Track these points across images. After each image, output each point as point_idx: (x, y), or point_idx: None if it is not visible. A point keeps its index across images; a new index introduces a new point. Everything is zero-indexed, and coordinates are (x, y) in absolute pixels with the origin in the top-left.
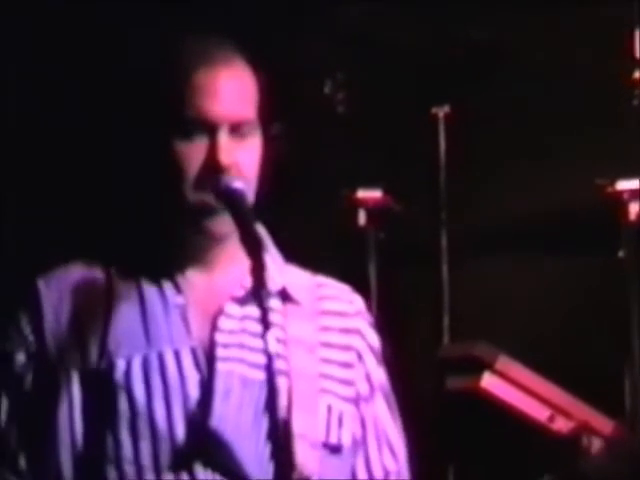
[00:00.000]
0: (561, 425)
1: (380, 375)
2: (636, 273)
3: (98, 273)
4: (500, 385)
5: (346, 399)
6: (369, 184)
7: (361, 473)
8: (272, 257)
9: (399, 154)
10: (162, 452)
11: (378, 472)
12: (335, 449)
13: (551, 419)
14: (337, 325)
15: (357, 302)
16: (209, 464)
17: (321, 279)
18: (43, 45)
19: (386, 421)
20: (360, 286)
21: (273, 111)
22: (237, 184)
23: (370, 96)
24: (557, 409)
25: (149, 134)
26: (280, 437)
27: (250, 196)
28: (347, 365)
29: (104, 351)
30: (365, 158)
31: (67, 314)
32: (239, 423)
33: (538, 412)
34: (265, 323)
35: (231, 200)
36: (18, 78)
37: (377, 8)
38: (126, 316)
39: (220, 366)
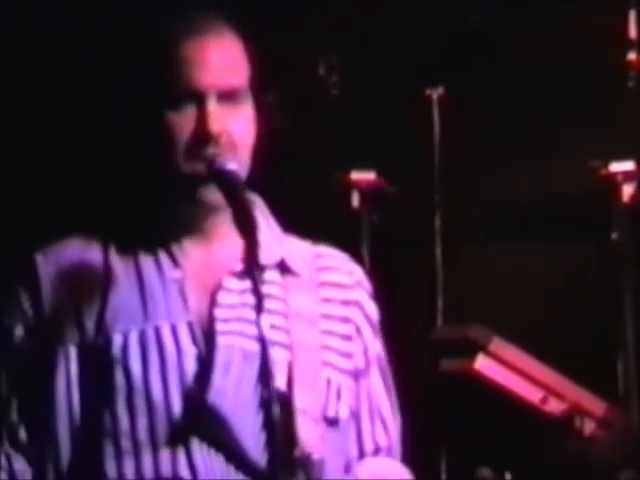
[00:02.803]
0: (554, 407)
1: (376, 347)
2: (629, 255)
3: (95, 247)
4: (493, 367)
5: (345, 372)
6: (363, 166)
7: (352, 446)
8: (270, 228)
9: (393, 136)
10: (158, 426)
11: (369, 446)
12: (332, 422)
13: (544, 401)
14: (337, 297)
15: (356, 272)
16: (205, 440)
17: (320, 249)
18: (33, 20)
19: (380, 395)
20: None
21: (264, 82)
22: (231, 165)
23: (364, 78)
24: (550, 391)
25: (141, 105)
26: (275, 411)
27: (243, 167)
28: (347, 337)
29: (101, 326)
30: (359, 140)
31: (65, 289)
32: (238, 397)
33: (531, 394)
34: (259, 305)
35: (224, 182)
36: (11, 52)
37: None
38: (123, 290)
39: (220, 340)
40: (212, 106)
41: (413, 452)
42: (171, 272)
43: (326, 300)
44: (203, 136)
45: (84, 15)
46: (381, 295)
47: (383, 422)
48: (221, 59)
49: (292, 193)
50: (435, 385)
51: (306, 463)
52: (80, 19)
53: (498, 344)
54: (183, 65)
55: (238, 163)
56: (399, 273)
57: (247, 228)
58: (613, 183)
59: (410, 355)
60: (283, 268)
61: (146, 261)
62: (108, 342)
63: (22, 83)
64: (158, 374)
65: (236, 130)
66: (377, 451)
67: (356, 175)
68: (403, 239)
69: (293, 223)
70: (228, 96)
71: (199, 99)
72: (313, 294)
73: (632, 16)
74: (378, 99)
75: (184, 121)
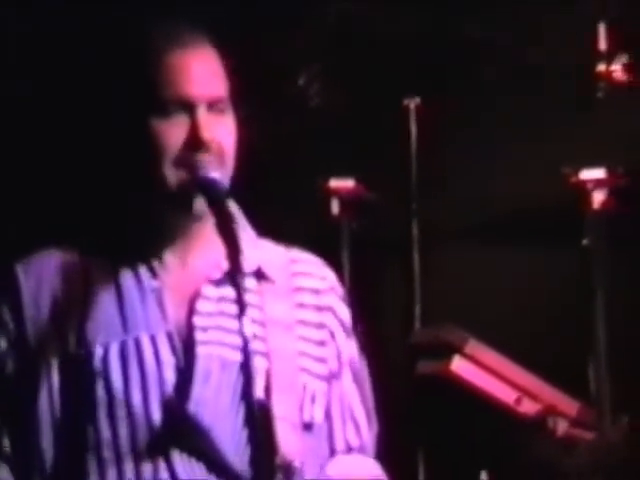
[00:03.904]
0: (528, 407)
1: (350, 351)
2: (600, 260)
3: (75, 259)
4: (469, 368)
5: (319, 377)
6: (342, 174)
7: (324, 448)
8: (246, 234)
9: (372, 145)
10: (140, 437)
11: (341, 446)
12: (308, 426)
13: (518, 401)
14: (311, 302)
15: (329, 277)
16: (186, 449)
17: (294, 254)
18: (23, 28)
19: (352, 397)
20: (333, 273)
21: (243, 95)
22: (214, 174)
23: (343, 88)
24: (524, 392)
25: (128, 114)
26: (258, 420)
27: (227, 175)
28: (321, 343)
29: (82, 338)
30: (338, 148)
31: (46, 301)
32: (217, 406)
33: (506, 394)
34: (241, 313)
35: (209, 191)
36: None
37: (352, 4)
38: (103, 302)
39: (199, 350)
40: (203, 115)
41: (391, 452)
42: (149, 282)
43: (301, 305)
44: (195, 143)
45: (74, 28)
46: (360, 299)
47: (355, 423)
48: (204, 69)
49: (273, 200)
50: (413, 386)
51: (288, 470)
52: (70, 33)
53: (474, 346)
54: (171, 75)
55: (224, 171)
56: (378, 278)
57: (230, 237)
58: (584, 190)
59: (388, 357)
60: (259, 275)
61: (125, 272)
62: (89, 354)
63: (6, 95)
64: (138, 385)
65: (223, 138)
66: (349, 450)
67: (336, 183)
68: (382, 245)
69: (274, 229)
70: (215, 106)
71: (190, 108)
72: (288, 300)
73: (601, 29)
74: (357, 109)
75: (174, 129)
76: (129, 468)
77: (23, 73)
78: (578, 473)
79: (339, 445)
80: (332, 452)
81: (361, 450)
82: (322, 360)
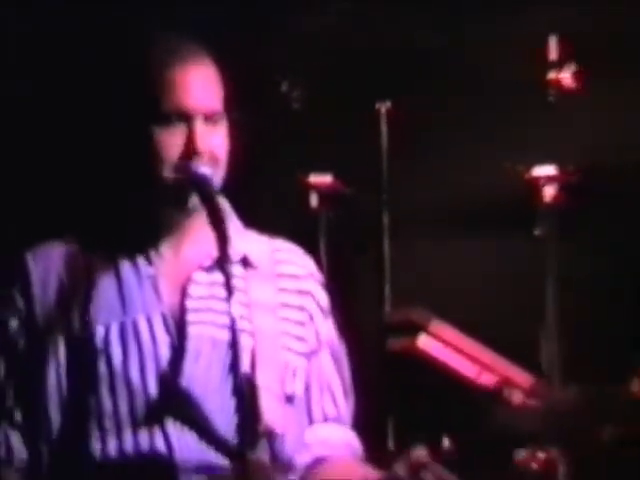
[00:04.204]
0: (487, 380)
1: (327, 331)
2: (551, 248)
3: (79, 250)
4: (434, 345)
5: (300, 354)
6: (321, 170)
7: (303, 419)
8: (234, 226)
9: (347, 144)
10: (137, 408)
11: (318, 416)
12: (290, 399)
13: (478, 374)
14: (292, 287)
15: (309, 265)
16: (179, 419)
17: (277, 243)
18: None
19: (330, 373)
20: (313, 261)
21: (235, 104)
22: (204, 169)
23: (322, 93)
24: (483, 366)
25: (129, 123)
26: (245, 392)
27: (220, 176)
28: (301, 324)
29: (85, 319)
30: (317, 147)
31: (53, 286)
32: (208, 380)
33: (467, 369)
34: (230, 296)
35: (198, 184)
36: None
37: (330, 15)
38: (104, 288)
39: (191, 329)
40: (199, 127)
41: (364, 420)
42: (146, 269)
43: (283, 290)
44: (191, 152)
45: (81, 39)
46: (337, 284)
47: (332, 395)
48: (202, 83)
49: (259, 194)
50: (384, 361)
51: (270, 437)
52: (78, 43)
53: (438, 325)
54: (171, 88)
55: (217, 174)
56: (353, 265)
57: (220, 229)
58: (537, 186)
59: (362, 335)
60: (245, 262)
61: (123, 261)
62: (91, 333)
63: (13, 92)
64: (136, 361)
65: (217, 147)
66: (326, 420)
67: (314, 178)
68: (356, 235)
69: (259, 221)
70: (211, 118)
71: (187, 120)
72: (271, 285)
73: (552, 41)
74: (334, 112)
75: (173, 138)
76: (128, 436)
77: (32, 78)
78: (531, 437)
79: (317, 415)
80: (311, 421)
81: (337, 420)
82: (302, 339)
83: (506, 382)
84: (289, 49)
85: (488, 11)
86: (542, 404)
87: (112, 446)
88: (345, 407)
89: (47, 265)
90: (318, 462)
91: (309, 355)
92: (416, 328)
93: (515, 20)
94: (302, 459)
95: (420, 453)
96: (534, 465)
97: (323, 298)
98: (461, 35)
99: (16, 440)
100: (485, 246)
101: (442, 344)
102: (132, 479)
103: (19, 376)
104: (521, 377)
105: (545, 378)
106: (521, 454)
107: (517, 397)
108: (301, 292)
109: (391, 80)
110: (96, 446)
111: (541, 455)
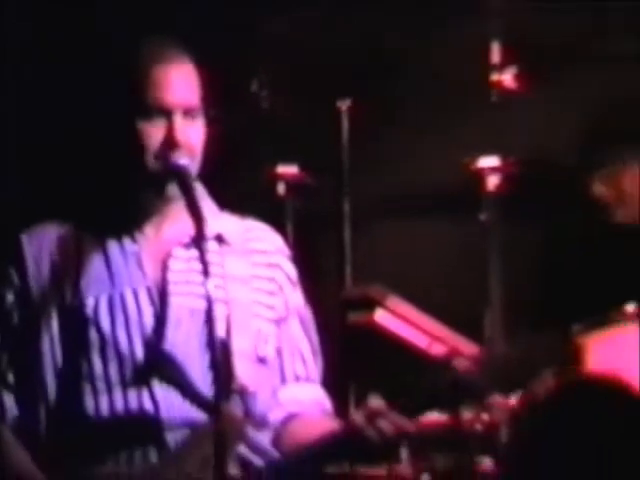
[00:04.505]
0: (437, 350)
1: (295, 300)
2: (494, 232)
3: (70, 231)
4: (390, 319)
5: (271, 320)
6: (287, 161)
7: (276, 379)
8: (208, 207)
9: (312, 138)
10: (126, 371)
11: (290, 376)
12: (262, 360)
13: (429, 345)
14: (263, 261)
15: (277, 241)
16: (164, 380)
17: (249, 223)
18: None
19: (299, 338)
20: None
21: (211, 101)
22: (182, 160)
23: (288, 92)
24: (434, 338)
25: (117, 117)
26: (220, 355)
27: (196, 166)
28: (271, 293)
29: (76, 292)
30: (285, 141)
31: (45, 263)
32: (188, 345)
33: (419, 340)
34: (204, 266)
35: (177, 174)
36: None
37: (297, 20)
38: (93, 264)
39: (172, 300)
40: (178, 121)
41: (328, 384)
42: (130, 247)
43: (254, 264)
44: (171, 143)
45: (76, 43)
46: (302, 264)
47: (302, 358)
48: (181, 81)
49: (233, 184)
50: (344, 333)
51: (243, 393)
52: (74, 47)
53: (393, 301)
54: (154, 87)
55: (193, 162)
56: (316, 247)
57: (195, 211)
58: (481, 175)
59: (326, 310)
60: (220, 240)
61: (110, 240)
62: (82, 305)
63: (20, 86)
64: (124, 329)
65: (194, 139)
66: (297, 379)
67: (282, 169)
68: (319, 220)
69: (233, 208)
70: (189, 113)
71: (168, 114)
72: (244, 259)
73: (494, 46)
74: (300, 109)
75: (154, 131)
76: (118, 396)
77: (29, 74)
78: (476, 399)
79: (289, 376)
80: (283, 381)
81: (307, 379)
82: (272, 307)
83: (454, 352)
84: (259, 52)
85: (440, 18)
86: (485, 362)
87: (104, 405)
88: (314, 368)
89: (40, 245)
90: (290, 418)
91: (279, 322)
92: (373, 303)
93: (463, 27)
94: (276, 415)
95: (376, 402)
96: (478, 426)
97: (291, 270)
98: (415, 39)
99: (8, 400)
100: (436, 229)
101: (397, 318)
102: (122, 435)
103: (14, 344)
104: (467, 347)
105: (488, 348)
106: (466, 416)
107: (463, 365)
108: (271, 265)
109: (351, 79)
110: (89, 405)
111: (485, 417)
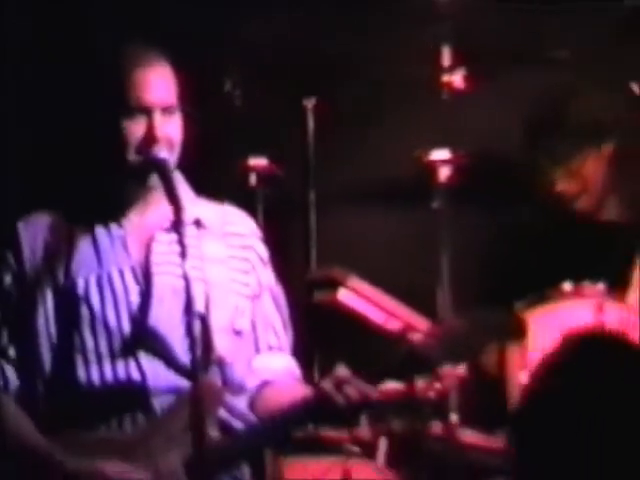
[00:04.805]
0: (393, 325)
1: (267, 278)
2: (444, 219)
3: (61, 219)
4: (351, 297)
5: (246, 297)
6: (258, 154)
7: (252, 348)
8: (187, 195)
9: (281, 133)
10: (115, 344)
11: (264, 347)
12: (238, 333)
13: (387, 321)
14: (238, 243)
15: (250, 224)
16: (149, 351)
17: (225, 208)
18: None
19: (271, 312)
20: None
21: (188, 100)
22: (162, 154)
23: (259, 91)
24: (391, 314)
25: (102, 115)
26: (199, 329)
27: (175, 158)
28: (246, 272)
29: (68, 273)
30: (256, 136)
31: (40, 247)
32: (170, 320)
33: (378, 316)
34: (183, 248)
35: (158, 166)
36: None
37: (267, 25)
38: (82, 247)
39: (155, 279)
40: (157, 118)
41: (295, 357)
42: (117, 231)
43: (230, 246)
44: (151, 139)
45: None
46: (272, 248)
47: (274, 330)
48: (160, 82)
49: (209, 175)
50: (310, 310)
51: (221, 363)
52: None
53: (354, 281)
54: (135, 88)
55: (171, 155)
56: (285, 232)
57: (174, 199)
58: (433, 167)
59: (293, 289)
60: (198, 224)
61: (98, 226)
62: (74, 284)
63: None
64: (112, 306)
65: (172, 134)
66: (270, 349)
67: (253, 161)
68: (287, 207)
69: (209, 197)
70: (167, 111)
71: (148, 112)
72: (220, 242)
73: (445, 50)
74: (269, 106)
75: (136, 127)
76: (108, 367)
77: (25, 81)
78: (429, 369)
79: (262, 346)
80: (257, 351)
81: (279, 349)
82: (247, 285)
83: (409, 327)
84: (232, 55)
85: (396, 24)
86: (437, 336)
87: (95, 376)
88: (285, 339)
89: (35, 231)
90: (265, 384)
91: (253, 298)
92: (336, 283)
93: (417, 32)
94: (251, 382)
95: (342, 371)
96: (431, 393)
97: (263, 251)
98: (374, 43)
99: (10, 372)
100: (392, 216)
101: (357, 296)
102: (113, 402)
103: (13, 321)
104: (420, 322)
105: (440, 323)
106: (420, 384)
107: (417, 338)
108: (245, 247)
109: (317, 80)
110: (82, 376)
111: (437, 385)
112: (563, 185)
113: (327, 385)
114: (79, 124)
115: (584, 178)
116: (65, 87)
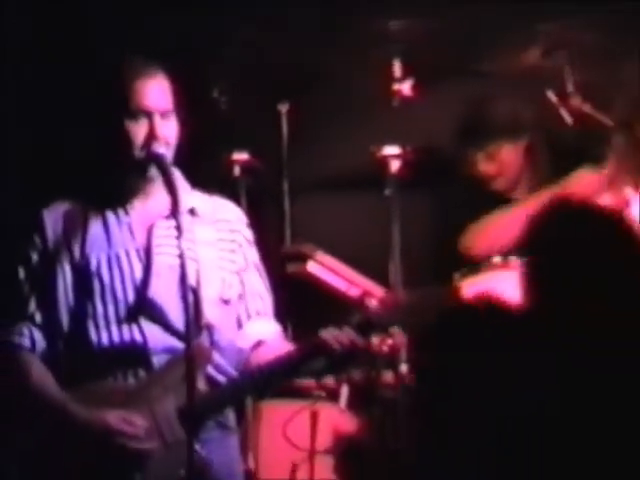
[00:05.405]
0: (354, 292)
1: (252, 255)
2: (395, 204)
3: (78, 206)
4: (318, 269)
5: (232, 272)
6: (241, 150)
7: (243, 315)
8: (183, 187)
9: (260, 132)
10: (121, 312)
11: (253, 312)
12: (227, 302)
13: (348, 289)
14: (226, 228)
15: (237, 212)
16: (149, 318)
17: (215, 199)
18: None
19: (256, 282)
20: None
21: (182, 105)
22: (160, 150)
23: (241, 98)
24: (351, 283)
25: (109, 119)
26: (190, 299)
27: (171, 154)
28: (233, 251)
29: (83, 252)
30: (239, 135)
31: (60, 230)
32: (168, 292)
33: (341, 285)
34: (179, 232)
35: (157, 160)
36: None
37: (249, 42)
38: (95, 231)
39: (155, 258)
40: (157, 120)
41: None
42: (124, 218)
43: (219, 230)
44: (152, 138)
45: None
46: (254, 229)
47: (260, 297)
48: (160, 92)
49: (199, 168)
50: (284, 280)
51: (210, 329)
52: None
53: (321, 255)
54: (138, 95)
55: (169, 152)
56: (264, 216)
57: (172, 190)
58: (386, 160)
59: (270, 263)
60: (192, 212)
61: (108, 213)
62: (87, 262)
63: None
64: (119, 280)
65: (169, 134)
66: (258, 314)
67: (236, 156)
68: (265, 195)
69: (200, 186)
70: (165, 114)
71: (149, 116)
72: (211, 227)
73: (396, 63)
74: (250, 110)
75: (139, 128)
76: (115, 330)
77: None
78: (383, 328)
79: (252, 312)
80: (248, 317)
81: (265, 315)
82: (234, 262)
83: (367, 294)
84: (218, 67)
85: (355, 40)
86: (390, 302)
87: (104, 338)
88: (270, 306)
89: (56, 217)
90: (258, 344)
91: (239, 272)
92: (306, 257)
93: (372, 48)
94: (245, 344)
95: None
96: (384, 348)
97: (248, 234)
98: (339, 58)
99: (38, 335)
100: (352, 202)
101: (324, 268)
102: (118, 360)
103: (39, 291)
104: (377, 290)
105: (392, 291)
106: (375, 341)
107: (373, 304)
108: (233, 230)
109: (289, 87)
110: (93, 338)
111: (390, 341)
112: (483, 166)
113: (326, 334)
114: (82, 124)
115: (501, 163)
116: (65, 87)
